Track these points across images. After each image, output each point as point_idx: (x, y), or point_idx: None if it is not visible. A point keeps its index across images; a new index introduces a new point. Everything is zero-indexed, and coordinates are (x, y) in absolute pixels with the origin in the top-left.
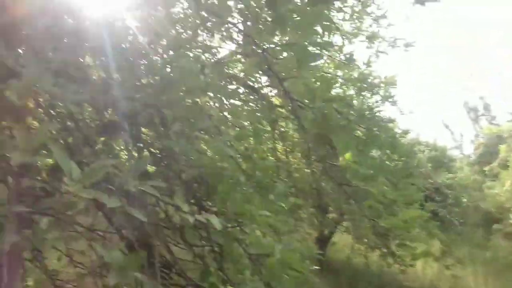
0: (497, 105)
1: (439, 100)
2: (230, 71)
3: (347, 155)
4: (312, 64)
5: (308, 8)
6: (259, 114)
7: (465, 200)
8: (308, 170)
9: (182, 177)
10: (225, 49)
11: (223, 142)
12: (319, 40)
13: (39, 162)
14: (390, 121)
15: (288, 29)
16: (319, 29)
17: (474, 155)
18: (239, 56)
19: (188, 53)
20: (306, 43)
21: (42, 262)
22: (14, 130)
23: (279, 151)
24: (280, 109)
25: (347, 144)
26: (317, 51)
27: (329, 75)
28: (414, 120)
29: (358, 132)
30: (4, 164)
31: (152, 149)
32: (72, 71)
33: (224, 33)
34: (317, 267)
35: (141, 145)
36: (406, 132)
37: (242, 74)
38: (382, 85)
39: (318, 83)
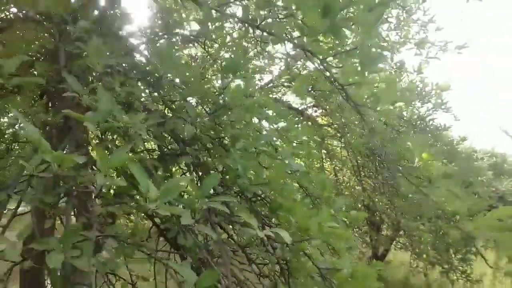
0: None
1: (495, 103)
2: (274, 95)
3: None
4: (377, 66)
5: (364, 13)
6: (305, 138)
7: None
8: (359, 187)
9: (246, 195)
10: (268, 74)
11: (282, 158)
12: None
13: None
14: (445, 129)
15: (345, 35)
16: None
17: None
18: (284, 79)
19: (243, 75)
20: (369, 45)
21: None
22: (95, 154)
23: (327, 170)
24: (327, 128)
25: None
26: (380, 53)
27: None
28: (470, 127)
29: (409, 143)
30: (79, 191)
31: (212, 171)
32: (136, 103)
33: (276, 54)
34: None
35: (198, 169)
36: (463, 139)
37: (285, 97)
38: (433, 92)
39: (382, 86)
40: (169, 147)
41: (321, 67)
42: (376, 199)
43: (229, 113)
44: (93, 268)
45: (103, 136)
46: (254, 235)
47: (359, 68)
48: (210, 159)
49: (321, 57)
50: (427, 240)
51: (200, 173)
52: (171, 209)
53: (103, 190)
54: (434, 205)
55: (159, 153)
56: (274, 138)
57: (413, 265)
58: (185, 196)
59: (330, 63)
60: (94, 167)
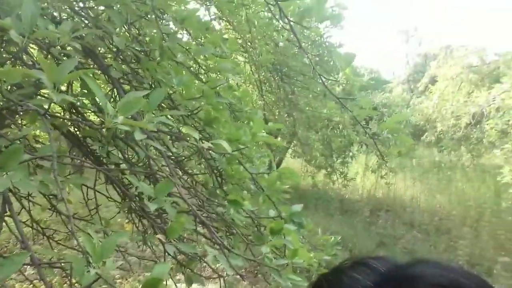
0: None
1: (374, 26)
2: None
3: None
4: None
5: None
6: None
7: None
8: (261, 102)
9: (179, 109)
10: None
11: (219, 73)
12: None
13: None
14: (339, 46)
15: None
16: None
17: (405, 75)
18: None
19: None
20: None
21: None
22: (41, 65)
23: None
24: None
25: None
26: None
27: None
28: (354, 46)
29: (307, 59)
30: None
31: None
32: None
33: None
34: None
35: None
36: (353, 56)
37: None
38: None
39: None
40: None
41: None
42: (277, 112)
43: (158, 22)
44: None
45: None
46: (194, 147)
47: None
48: (136, 72)
49: None
50: (318, 148)
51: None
52: (133, 123)
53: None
54: (325, 116)
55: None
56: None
57: (304, 170)
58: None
59: None
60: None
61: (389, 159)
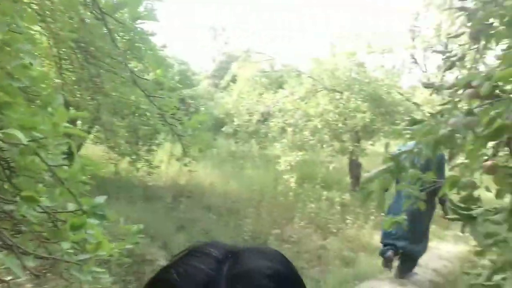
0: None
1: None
2: None
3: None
4: None
5: None
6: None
7: (203, 108)
8: (59, 80)
9: None
10: None
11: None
12: None
13: None
14: (151, 34)
15: None
16: None
17: (212, 71)
18: None
19: None
20: None
21: None
22: None
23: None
24: (24, 7)
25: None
26: None
27: None
28: (167, 35)
29: (119, 42)
30: None
31: None
32: None
33: None
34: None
35: None
36: (164, 46)
37: None
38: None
39: None
40: None
41: None
42: (78, 94)
43: None
44: None
45: None
46: None
47: None
48: None
49: None
50: (123, 135)
51: None
52: None
53: None
54: (132, 103)
55: None
56: None
57: (106, 157)
58: None
59: None
60: None
61: (192, 149)
